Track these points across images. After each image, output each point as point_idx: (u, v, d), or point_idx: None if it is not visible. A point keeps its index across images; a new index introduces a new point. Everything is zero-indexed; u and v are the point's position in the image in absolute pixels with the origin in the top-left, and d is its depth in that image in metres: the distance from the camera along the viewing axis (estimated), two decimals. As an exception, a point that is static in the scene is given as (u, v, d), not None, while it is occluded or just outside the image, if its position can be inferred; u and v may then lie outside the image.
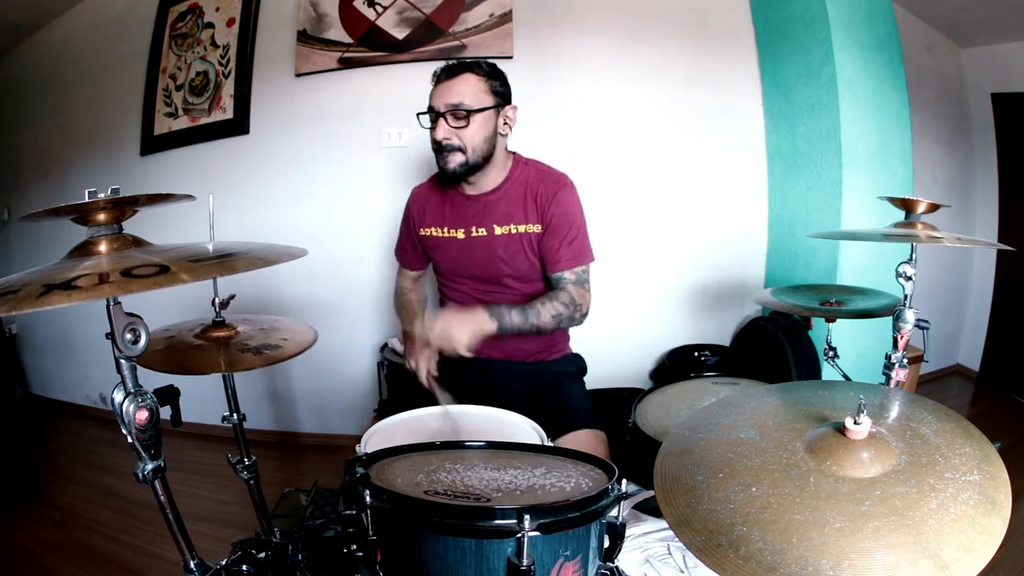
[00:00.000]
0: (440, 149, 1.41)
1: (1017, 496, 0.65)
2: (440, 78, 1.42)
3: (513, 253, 1.49)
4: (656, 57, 2.52)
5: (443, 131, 1.39)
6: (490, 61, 1.46)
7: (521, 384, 1.54)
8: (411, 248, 1.67)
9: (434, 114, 1.40)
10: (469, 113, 1.38)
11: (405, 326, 1.60)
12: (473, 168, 1.43)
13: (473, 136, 1.40)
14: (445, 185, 1.54)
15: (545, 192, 1.48)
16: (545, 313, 1.40)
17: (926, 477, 0.66)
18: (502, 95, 1.44)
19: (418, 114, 1.44)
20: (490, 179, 1.50)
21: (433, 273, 1.71)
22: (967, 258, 3.37)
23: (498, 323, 1.33)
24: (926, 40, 3.08)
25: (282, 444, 2.80)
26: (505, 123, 1.45)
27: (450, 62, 1.43)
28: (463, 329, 1.27)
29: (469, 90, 1.39)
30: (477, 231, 1.50)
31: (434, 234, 1.56)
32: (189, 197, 0.80)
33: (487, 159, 1.44)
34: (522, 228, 1.48)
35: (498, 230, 1.49)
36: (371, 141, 2.57)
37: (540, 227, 1.48)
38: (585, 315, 1.49)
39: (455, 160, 1.41)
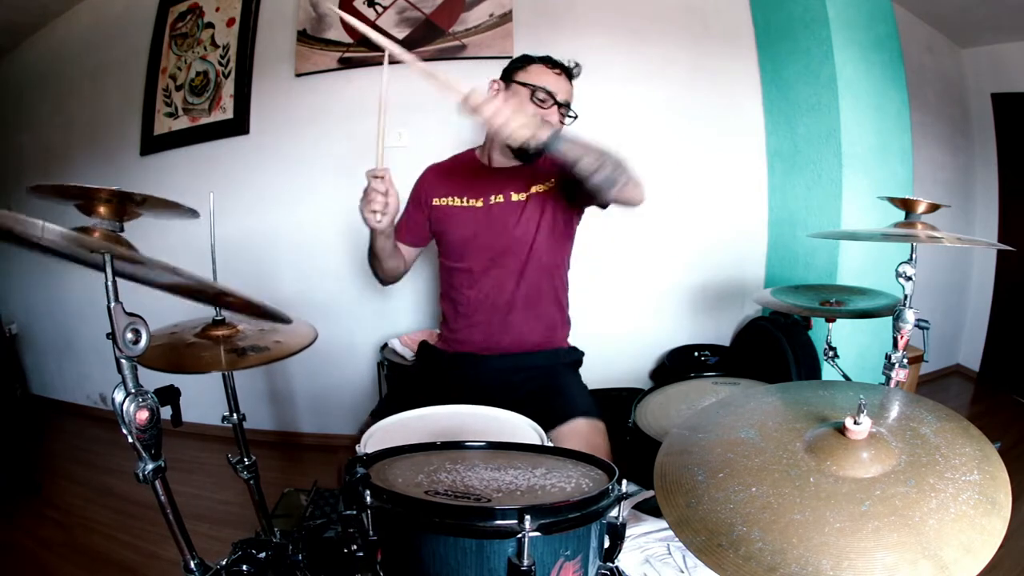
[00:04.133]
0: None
1: (1017, 496, 0.65)
2: (566, 74, 1.52)
3: (529, 216, 1.52)
4: (656, 57, 2.52)
5: (556, 117, 1.49)
6: None
7: (518, 376, 1.54)
8: (415, 222, 1.63)
9: (554, 100, 1.49)
10: (572, 116, 1.52)
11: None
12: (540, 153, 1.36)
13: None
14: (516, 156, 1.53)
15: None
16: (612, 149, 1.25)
17: (926, 477, 0.66)
18: None
19: (542, 90, 1.47)
20: None
21: (437, 258, 1.70)
22: (967, 258, 3.37)
23: (550, 139, 1.15)
24: (926, 40, 3.08)
25: (282, 444, 2.80)
26: None
27: (570, 63, 1.54)
28: (525, 125, 1.12)
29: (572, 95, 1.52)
30: (495, 199, 1.55)
31: (450, 204, 1.59)
32: (194, 213, 0.80)
33: None
34: (535, 189, 1.53)
35: (515, 196, 1.53)
36: (371, 141, 2.56)
37: (552, 181, 1.53)
38: (642, 195, 1.35)
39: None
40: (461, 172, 1.60)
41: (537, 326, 1.58)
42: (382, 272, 1.57)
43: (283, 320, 0.77)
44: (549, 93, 1.47)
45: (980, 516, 0.61)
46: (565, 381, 1.55)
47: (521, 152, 1.44)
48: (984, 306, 3.32)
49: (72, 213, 0.76)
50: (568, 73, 1.53)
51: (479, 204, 1.55)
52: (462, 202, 1.57)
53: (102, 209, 0.69)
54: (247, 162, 2.66)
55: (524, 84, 1.48)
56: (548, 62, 1.51)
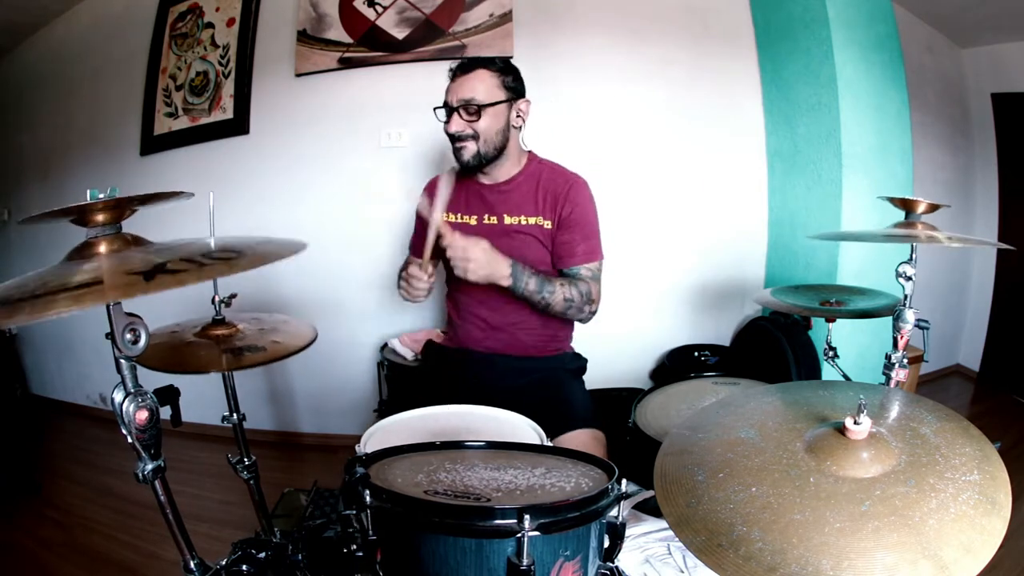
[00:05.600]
0: (454, 140, 1.48)
1: (1017, 496, 0.65)
2: (455, 74, 1.48)
3: (521, 244, 1.53)
4: (656, 57, 2.52)
5: (456, 124, 1.46)
6: (504, 58, 1.49)
7: (520, 380, 1.55)
8: (422, 233, 1.66)
9: (448, 108, 1.47)
10: (480, 108, 1.44)
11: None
12: (486, 159, 1.49)
13: (487, 128, 1.46)
14: (462, 175, 1.58)
15: (558, 189, 1.53)
16: (559, 293, 1.44)
17: (926, 477, 0.66)
18: (515, 90, 1.50)
19: (435, 108, 1.50)
20: (504, 170, 1.55)
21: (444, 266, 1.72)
22: (967, 258, 3.37)
23: (513, 282, 1.39)
24: (926, 40, 3.08)
25: (282, 444, 2.80)
26: (518, 116, 1.51)
27: (465, 60, 1.50)
28: (481, 267, 1.34)
29: (481, 86, 1.45)
30: (489, 219, 1.56)
31: (447, 219, 1.59)
32: (188, 194, 0.80)
33: (500, 151, 1.51)
34: (532, 220, 1.53)
35: (508, 220, 1.54)
36: (371, 141, 2.57)
37: (551, 223, 1.53)
38: (594, 313, 1.53)
39: (468, 151, 1.47)
40: (458, 188, 1.59)
41: (535, 324, 1.58)
42: None
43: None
44: (445, 105, 1.48)
45: (980, 516, 0.61)
46: (568, 390, 1.56)
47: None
48: (984, 306, 3.32)
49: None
50: (458, 71, 1.48)
51: (473, 222, 1.57)
52: (456, 218, 1.59)
53: (99, 217, 0.69)
54: (247, 162, 2.65)
55: (435, 111, 1.50)
56: (448, 75, 1.50)
